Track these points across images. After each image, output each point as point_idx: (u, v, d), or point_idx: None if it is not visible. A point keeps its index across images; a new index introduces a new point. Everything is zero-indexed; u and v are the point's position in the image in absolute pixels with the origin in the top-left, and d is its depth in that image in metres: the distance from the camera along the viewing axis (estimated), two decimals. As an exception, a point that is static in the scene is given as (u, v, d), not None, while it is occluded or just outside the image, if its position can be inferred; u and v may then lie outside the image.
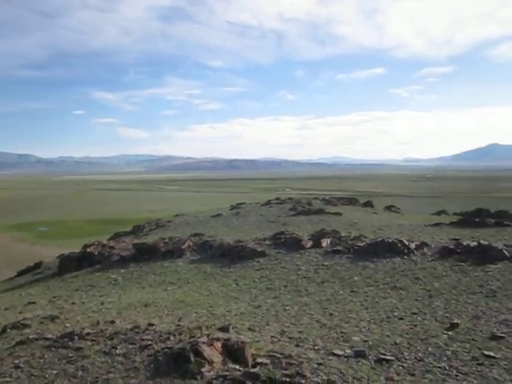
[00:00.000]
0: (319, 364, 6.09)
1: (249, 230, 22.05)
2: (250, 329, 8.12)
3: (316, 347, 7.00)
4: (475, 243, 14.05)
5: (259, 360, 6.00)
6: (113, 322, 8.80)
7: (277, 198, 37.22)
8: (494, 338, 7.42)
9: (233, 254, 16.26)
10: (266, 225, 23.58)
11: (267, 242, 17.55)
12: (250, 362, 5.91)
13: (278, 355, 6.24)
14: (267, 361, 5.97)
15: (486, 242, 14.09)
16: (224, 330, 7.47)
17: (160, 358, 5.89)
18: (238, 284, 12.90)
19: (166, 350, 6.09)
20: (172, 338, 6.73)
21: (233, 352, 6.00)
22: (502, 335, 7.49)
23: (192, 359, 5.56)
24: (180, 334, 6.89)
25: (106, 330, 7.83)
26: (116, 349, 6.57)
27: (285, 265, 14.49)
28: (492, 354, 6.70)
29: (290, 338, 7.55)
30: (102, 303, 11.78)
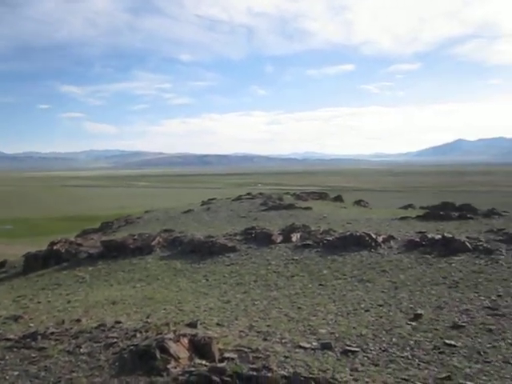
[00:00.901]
0: (286, 357, 6.15)
1: (219, 226, 22.01)
2: (218, 324, 8.12)
3: (283, 340, 7.07)
4: (440, 236, 14.45)
5: (226, 355, 6.02)
6: (78, 320, 8.64)
7: (248, 193, 37.23)
8: (455, 327, 7.68)
9: (203, 250, 16.18)
10: (237, 220, 23.58)
11: (238, 237, 17.56)
12: (217, 357, 5.92)
13: (246, 349, 6.27)
14: (234, 355, 5.99)
15: (450, 235, 14.52)
16: (192, 325, 7.44)
17: (125, 355, 5.82)
18: (207, 280, 12.87)
19: (131, 347, 6.02)
20: (138, 335, 6.66)
21: (200, 348, 5.99)
22: (463, 324, 7.75)
23: (158, 356, 5.52)
24: (147, 331, 6.82)
25: (71, 329, 7.68)
26: (80, 348, 6.45)
27: (255, 260, 14.54)
28: (453, 342, 6.93)
29: (258, 332, 7.59)
30: (69, 302, 11.54)
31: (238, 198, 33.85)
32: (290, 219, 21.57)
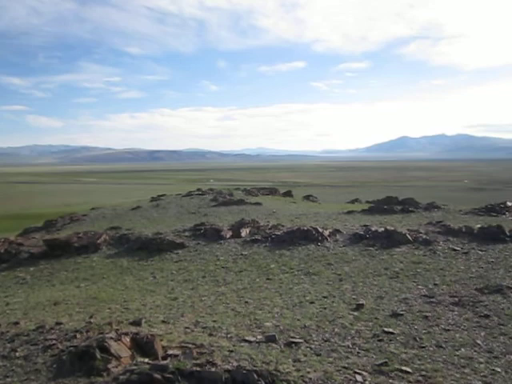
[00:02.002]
0: (230, 351, 6.19)
1: (168, 222, 21.72)
2: (163, 321, 8.03)
3: (229, 335, 7.10)
4: (383, 229, 15.03)
5: (170, 352, 5.97)
6: (17, 323, 8.25)
7: (198, 189, 36.95)
8: (394, 315, 8.02)
9: (151, 247, 15.92)
10: (187, 216, 23.37)
11: (187, 234, 17.42)
12: (161, 354, 5.86)
13: (190, 345, 6.25)
14: (178, 352, 5.96)
15: (392, 228, 15.13)
16: (136, 324, 7.32)
17: (64, 357, 5.63)
18: (155, 277, 12.68)
19: (71, 348, 5.84)
20: (79, 336, 6.46)
21: (142, 346, 5.90)
22: (402, 312, 8.12)
23: (98, 356, 5.39)
24: (88, 331, 6.63)
25: (8, 332, 7.32)
26: (16, 351, 6.18)
27: (204, 256, 14.49)
28: (391, 330, 7.25)
29: (203, 327, 7.58)
30: (7, 304, 11.00)
31: (188, 194, 33.54)
32: (239, 215, 21.65)
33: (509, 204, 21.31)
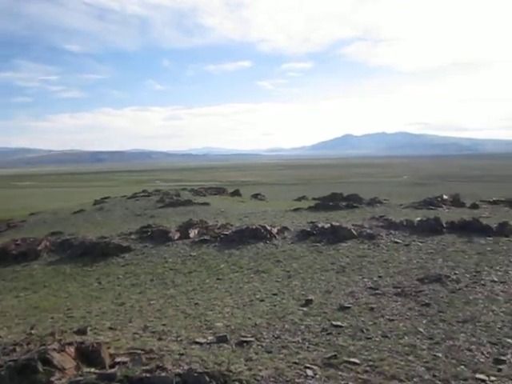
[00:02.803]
0: (181, 354, 6.09)
1: (113, 225, 21.05)
2: (110, 328, 7.77)
3: (179, 338, 6.99)
4: (329, 225, 15.39)
5: (118, 359, 5.78)
6: None
7: (144, 191, 36.11)
8: (342, 308, 8.23)
9: (95, 252, 15.36)
10: (132, 218, 22.77)
11: (133, 237, 16.97)
12: (108, 362, 5.66)
13: (139, 351, 6.09)
14: (127, 359, 5.78)
15: (338, 223, 15.52)
16: (81, 332, 7.03)
17: (2, 372, 5.29)
18: (100, 283, 12.26)
19: (10, 363, 5.49)
20: (19, 349, 6.09)
21: (88, 355, 5.67)
22: (349, 306, 8.34)
23: (40, 369, 5.11)
24: (28, 343, 6.27)
25: None
26: None
27: (151, 258, 14.19)
28: (339, 323, 7.43)
29: (152, 332, 7.42)
30: None
31: (134, 196, 32.69)
32: (187, 215, 21.38)
33: (445, 197, 22.53)
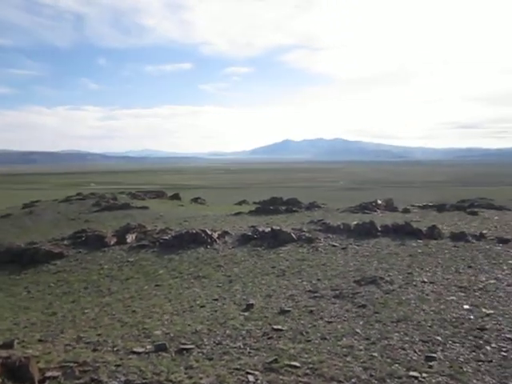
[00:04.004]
0: (117, 365, 5.83)
1: (45, 231, 19.95)
2: (40, 340, 7.30)
3: (115, 348, 6.70)
4: (269, 229, 15.51)
5: (48, 374, 5.44)
6: None
7: (78, 194, 34.53)
8: (282, 312, 8.29)
9: (24, 259, 14.43)
10: (66, 223, 21.70)
11: (66, 242, 16.15)
12: (37, 377, 5.29)
13: (72, 364, 5.77)
14: (58, 373, 5.45)
15: (278, 227, 15.69)
16: (7, 346, 6.53)
17: None
18: (29, 292, 11.52)
19: None
20: None
21: (15, 370, 5.26)
22: (289, 309, 8.42)
23: (-42, 389, 4.67)
24: None
25: None
26: None
27: (86, 265, 13.56)
28: (280, 327, 7.46)
29: (87, 343, 7.05)
30: None
31: (67, 199, 31.15)
32: (124, 219, 20.70)
33: (379, 202, 23.52)
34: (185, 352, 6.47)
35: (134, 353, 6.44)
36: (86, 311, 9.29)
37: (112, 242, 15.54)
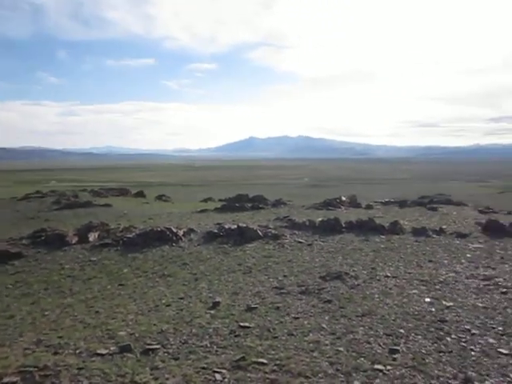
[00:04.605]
0: (80, 369, 5.67)
1: (2, 230, 19.10)
2: (-4, 345, 6.99)
3: (77, 351, 6.49)
4: (235, 226, 15.48)
5: (6, 379, 5.22)
6: None
7: (37, 192, 33.42)
8: (249, 309, 8.27)
9: (-21, 260, 13.79)
10: (24, 222, 20.90)
11: (24, 242, 15.52)
12: (-6, 384, 5.06)
13: (31, 368, 5.56)
14: (16, 378, 5.25)
15: (244, 224, 15.68)
16: (-40, 352, 6.22)
17: None
18: (-15, 294, 11.00)
19: None
20: None
21: (-31, 377, 5.02)
22: (256, 306, 8.41)
23: None
24: None
25: None
26: None
27: (46, 265, 13.08)
28: (247, 324, 7.45)
29: (47, 346, 6.79)
30: None
31: (26, 197, 30.10)
32: (86, 218, 20.15)
33: (343, 198, 23.92)
34: (150, 352, 6.35)
35: (98, 355, 6.27)
36: (46, 313, 8.95)
37: (73, 241, 15.08)
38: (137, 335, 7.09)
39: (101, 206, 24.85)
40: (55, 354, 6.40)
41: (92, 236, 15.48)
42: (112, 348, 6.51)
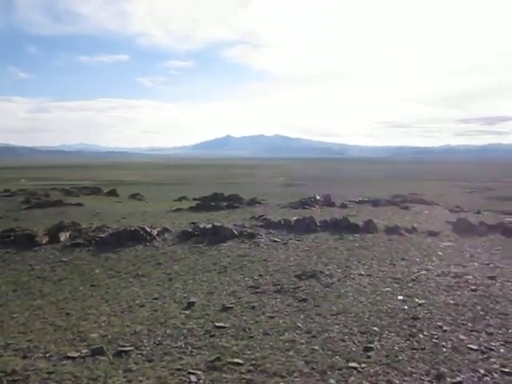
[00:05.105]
0: (50, 373, 5.51)
1: (-33, 230, 18.46)
2: (-38, 349, 6.72)
3: (48, 354, 6.31)
4: (210, 225, 15.38)
5: (-29, 385, 5.01)
6: None
7: (6, 190, 32.44)
8: (224, 309, 8.22)
9: None
10: (-8, 222, 20.23)
11: (-8, 242, 15.04)
12: (-42, 390, 4.86)
13: (-1, 374, 5.35)
14: (-18, 384, 5.03)
15: (219, 223, 15.60)
16: None
17: None
18: (-51, 296, 10.59)
19: None
20: None
21: None
22: (231, 305, 8.37)
23: None
24: None
25: None
26: None
27: (15, 266, 12.70)
28: (222, 324, 7.40)
29: (16, 350, 6.58)
30: None
31: (-6, 196, 29.18)
32: (58, 217, 19.65)
33: (318, 198, 24.08)
34: (123, 354, 6.23)
35: (69, 358, 6.11)
36: (14, 315, 8.67)
37: (44, 242, 14.69)
38: (109, 337, 6.95)
39: (72, 205, 24.31)
40: (24, 357, 6.21)
41: (63, 236, 15.12)
42: (84, 351, 6.36)
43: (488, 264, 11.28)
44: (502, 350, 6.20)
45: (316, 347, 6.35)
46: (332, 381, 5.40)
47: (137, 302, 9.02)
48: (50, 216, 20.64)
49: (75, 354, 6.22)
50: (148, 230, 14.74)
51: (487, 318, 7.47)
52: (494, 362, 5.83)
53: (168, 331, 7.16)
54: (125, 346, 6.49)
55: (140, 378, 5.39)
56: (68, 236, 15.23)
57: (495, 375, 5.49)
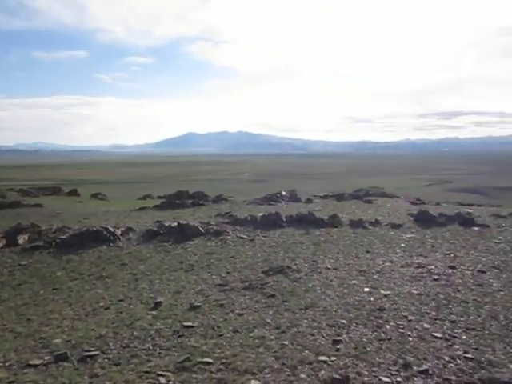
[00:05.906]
0: (11, 382, 5.31)
1: None
2: None
3: (8, 363, 6.04)
4: (176, 223, 15.16)
5: None
6: None
7: (-42, 193, 30.88)
8: (192, 308, 8.11)
9: None
10: None
11: None
12: None
13: (-46, 386, 5.07)
14: None
15: (185, 221, 15.40)
16: None
17: None
18: None
19: None
20: None
21: None
22: (199, 304, 8.27)
23: None
24: None
25: None
26: None
27: (-31, 271, 12.10)
28: (191, 323, 7.29)
29: (-28, 359, 6.26)
30: None
31: None
32: (15, 219, 18.85)
33: (283, 193, 24.22)
34: (89, 359, 6.03)
35: (30, 366, 5.87)
36: (-30, 324, 8.27)
37: (1, 245, 14.07)
38: (73, 342, 6.72)
39: (31, 206, 23.44)
40: (-19, 368, 5.91)
41: (21, 238, 14.53)
42: (46, 357, 6.12)
43: (448, 254, 11.66)
44: (464, 337, 6.41)
45: (286, 342, 6.35)
46: (303, 375, 5.42)
47: (101, 304, 8.77)
48: (6, 218, 19.80)
49: (37, 362, 5.98)
50: (111, 229, 14.38)
51: (450, 306, 7.71)
52: (458, 349, 6.01)
53: (135, 333, 6.99)
54: (90, 351, 6.29)
55: (107, 383, 5.23)
56: (27, 238, 14.65)
57: (459, 361, 5.67)
